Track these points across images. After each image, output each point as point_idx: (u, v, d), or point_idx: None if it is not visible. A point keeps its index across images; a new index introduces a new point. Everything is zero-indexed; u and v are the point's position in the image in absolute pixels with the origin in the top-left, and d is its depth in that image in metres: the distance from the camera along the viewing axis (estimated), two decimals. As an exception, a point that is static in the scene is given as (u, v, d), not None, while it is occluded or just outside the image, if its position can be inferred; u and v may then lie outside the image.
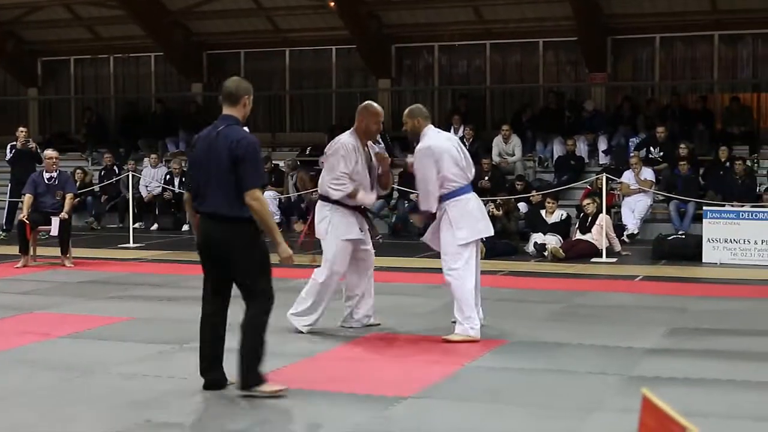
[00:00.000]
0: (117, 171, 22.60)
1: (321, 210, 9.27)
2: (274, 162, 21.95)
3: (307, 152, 23.07)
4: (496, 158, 20.86)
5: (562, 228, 16.63)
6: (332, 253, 9.19)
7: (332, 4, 23.19)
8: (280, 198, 20.88)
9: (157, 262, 15.41)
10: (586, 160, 21.29)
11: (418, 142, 9.19)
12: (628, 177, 18.80)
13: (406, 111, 9.28)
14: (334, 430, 6.19)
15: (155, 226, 21.53)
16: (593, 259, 15.51)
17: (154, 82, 27.73)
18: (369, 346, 8.79)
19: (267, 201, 7.13)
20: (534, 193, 18.66)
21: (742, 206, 16.41)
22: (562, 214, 16.98)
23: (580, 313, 10.39)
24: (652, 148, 20.01)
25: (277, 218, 20.62)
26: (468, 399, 6.87)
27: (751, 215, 15.26)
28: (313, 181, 20.63)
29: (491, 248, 15.70)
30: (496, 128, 21.99)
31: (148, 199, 22.15)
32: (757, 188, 18.42)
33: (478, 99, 24.60)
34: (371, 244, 9.50)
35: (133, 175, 19.89)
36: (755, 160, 20.02)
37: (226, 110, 7.04)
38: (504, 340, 8.91)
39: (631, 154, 19.68)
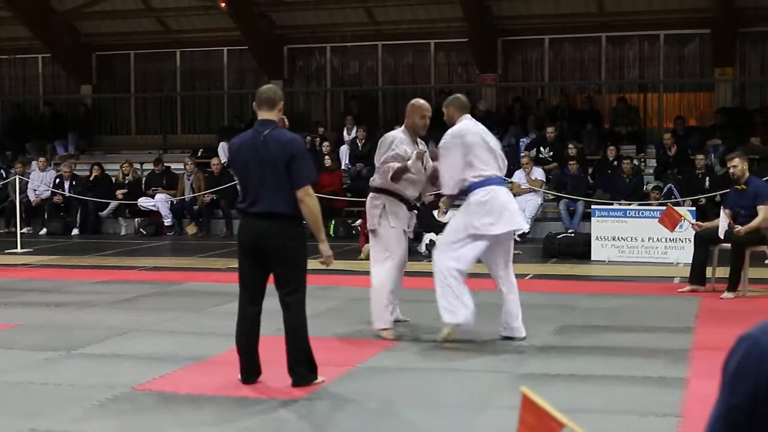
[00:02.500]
0: (4, 174, 22.14)
1: (372, 201, 9.29)
2: (165, 164, 21.72)
3: (199, 154, 22.86)
4: (388, 159, 20.87)
5: (454, 228, 16.71)
6: (388, 240, 9.16)
7: (223, 4, 23.04)
8: (172, 201, 20.66)
9: (45, 267, 15.12)
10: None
11: None
12: (518, 177, 19.01)
13: (446, 100, 9.26)
14: (224, 435, 6.15)
15: (44, 231, 21.12)
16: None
17: (41, 83, 27.26)
18: (260, 349, 8.72)
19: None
20: (428, 193, 18.71)
21: (630, 204, 16.72)
22: (454, 214, 17.08)
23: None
24: (542, 148, 20.27)
25: (168, 221, 20.44)
26: (359, 400, 6.88)
27: (638, 213, 15.54)
28: (207, 182, 20.49)
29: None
30: (389, 129, 21.90)
31: (36, 203, 21.72)
32: (644, 187, 18.78)
33: (370, 100, 24.67)
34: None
35: (20, 179, 19.51)
36: (642, 159, 20.41)
37: (264, 115, 7.22)
38: (396, 340, 8.93)
39: (522, 154, 19.91)
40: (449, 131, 8.87)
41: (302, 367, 7.19)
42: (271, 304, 7.38)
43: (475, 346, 8.69)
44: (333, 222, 19.10)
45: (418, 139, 9.39)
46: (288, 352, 7.20)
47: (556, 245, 16.08)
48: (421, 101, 9.41)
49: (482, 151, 8.73)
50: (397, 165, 9.04)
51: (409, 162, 9.00)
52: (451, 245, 8.70)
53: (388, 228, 9.13)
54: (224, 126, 24.31)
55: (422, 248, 16.34)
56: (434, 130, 21.61)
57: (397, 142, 9.16)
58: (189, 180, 20.78)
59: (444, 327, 8.70)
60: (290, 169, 7.02)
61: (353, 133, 21.59)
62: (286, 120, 7.53)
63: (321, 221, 7.20)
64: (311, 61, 25.49)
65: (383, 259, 9.13)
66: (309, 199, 7.05)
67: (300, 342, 7.17)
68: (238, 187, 7.41)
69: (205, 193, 20.23)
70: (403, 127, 9.36)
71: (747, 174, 11.84)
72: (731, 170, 11.81)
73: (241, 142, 7.32)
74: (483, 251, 8.77)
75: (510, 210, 8.75)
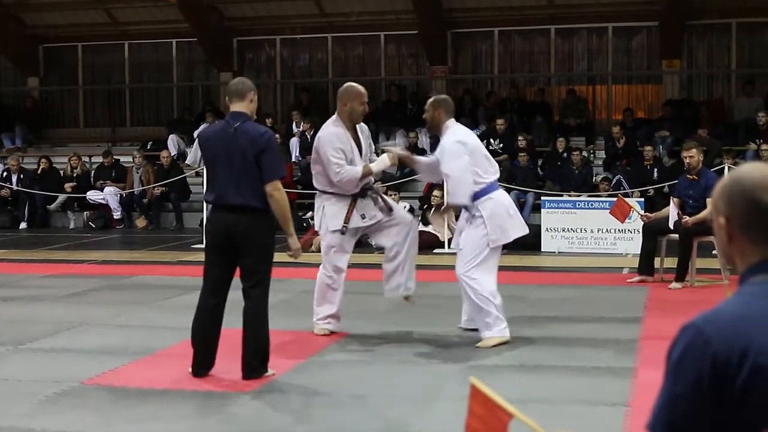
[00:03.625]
0: (-49, 168, 21.87)
1: (316, 202, 8.87)
2: (114, 157, 21.56)
3: (149, 147, 22.72)
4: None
5: (405, 220, 16.74)
6: (324, 245, 8.81)
7: (172, -4, 22.90)
8: (121, 194, 20.50)
9: (-8, 262, 14.97)
10: (429, 153, 21.49)
11: (435, 134, 8.69)
12: (469, 169, 19.01)
13: (430, 100, 8.77)
14: (172, 429, 6.12)
15: (-9, 225, 20.91)
16: (435, 250, 15.69)
17: (-13, 76, 26.94)
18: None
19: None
20: (378, 185, 18.75)
21: (579, 196, 16.83)
22: (405, 206, 17.10)
23: (421, 304, 10.43)
24: (492, 140, 20.32)
25: (117, 214, 20.30)
26: (309, 393, 6.89)
27: (588, 204, 15.64)
28: (157, 175, 20.36)
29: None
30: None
31: (-16, 196, 21.50)
32: (593, 178, 18.90)
33: (320, 92, 24.63)
34: (400, 217, 8.96)
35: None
36: (591, 151, 20.55)
37: (235, 107, 7.24)
38: (345, 332, 8.93)
39: (472, 146, 19.94)
40: (452, 137, 8.46)
41: (256, 360, 7.17)
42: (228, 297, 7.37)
43: (425, 338, 8.71)
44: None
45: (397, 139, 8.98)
46: (245, 343, 7.18)
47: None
48: (359, 86, 8.77)
49: (482, 158, 8.52)
50: (358, 171, 8.54)
51: (374, 167, 8.69)
52: (479, 262, 8.39)
53: (325, 232, 8.77)
54: (174, 119, 24.20)
55: (373, 241, 16.29)
56: (381, 123, 21.54)
57: (341, 142, 8.54)
58: (138, 173, 20.65)
59: (492, 339, 8.32)
60: (259, 163, 7.00)
61: (302, 126, 21.52)
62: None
63: (290, 215, 7.23)
64: (261, 53, 25.40)
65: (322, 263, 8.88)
66: (278, 194, 7.05)
67: (259, 335, 7.17)
68: (204, 178, 7.39)
69: (155, 186, 20.10)
70: (335, 116, 8.73)
71: (700, 165, 11.96)
72: (687, 160, 11.86)
73: (210, 134, 7.40)
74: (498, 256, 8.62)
75: (515, 214, 8.69)
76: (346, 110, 8.66)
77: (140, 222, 20.36)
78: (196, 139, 21.46)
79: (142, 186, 20.34)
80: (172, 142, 22.01)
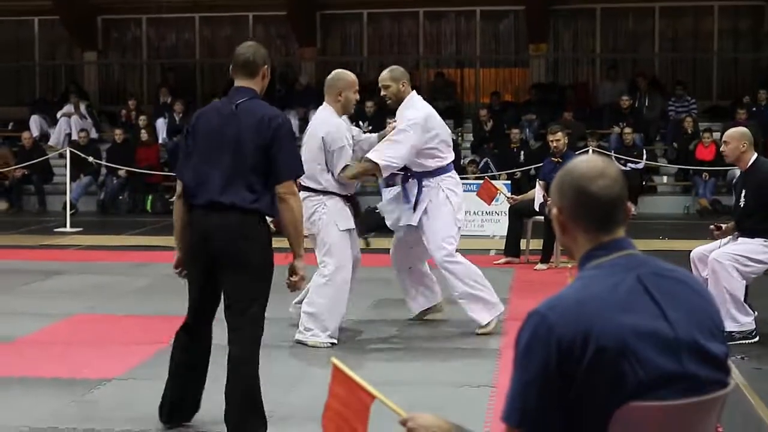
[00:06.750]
0: None
1: (308, 202, 7.52)
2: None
3: (9, 127, 22.15)
4: (207, 133, 20.64)
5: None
6: (334, 244, 7.74)
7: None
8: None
9: None
10: (297, 135, 21.35)
11: (395, 108, 8.14)
12: (338, 151, 18.98)
13: (388, 73, 8.18)
14: (32, 419, 5.94)
15: None
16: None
17: None
18: (71, 329, 8.51)
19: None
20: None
21: (447, 178, 16.91)
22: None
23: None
24: (361, 122, 20.33)
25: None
26: (173, 378, 6.75)
27: (455, 187, 15.71)
28: (16, 157, 19.84)
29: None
30: (207, 102, 21.73)
31: None
32: (461, 161, 19.03)
33: (188, 72, 24.32)
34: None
35: None
36: (459, 134, 20.70)
37: (241, 82, 5.68)
38: (212, 316, 8.80)
39: (341, 128, 19.92)
40: (416, 114, 8.00)
41: (242, 416, 5.55)
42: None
43: (273, 322, 8.62)
44: (150, 197, 18.81)
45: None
46: (226, 393, 5.55)
47: (375, 219, 16.09)
48: (351, 74, 7.98)
49: (445, 133, 8.26)
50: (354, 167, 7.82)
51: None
52: (453, 246, 8.23)
53: (333, 230, 7.71)
54: (36, 99, 23.63)
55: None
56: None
57: (345, 136, 7.74)
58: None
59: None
60: (270, 157, 5.36)
61: (170, 104, 21.19)
62: None
63: (302, 228, 5.74)
64: (126, 32, 24.93)
65: (328, 264, 7.77)
66: (293, 200, 5.46)
67: (247, 385, 5.58)
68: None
69: (16, 168, 19.58)
70: (327, 106, 7.81)
71: (566, 147, 12.15)
72: (554, 143, 12.02)
73: (203, 112, 5.79)
74: None
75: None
76: (340, 100, 7.74)
77: (1, 205, 19.82)
78: (60, 119, 21.23)
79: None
80: (35, 122, 21.48)
